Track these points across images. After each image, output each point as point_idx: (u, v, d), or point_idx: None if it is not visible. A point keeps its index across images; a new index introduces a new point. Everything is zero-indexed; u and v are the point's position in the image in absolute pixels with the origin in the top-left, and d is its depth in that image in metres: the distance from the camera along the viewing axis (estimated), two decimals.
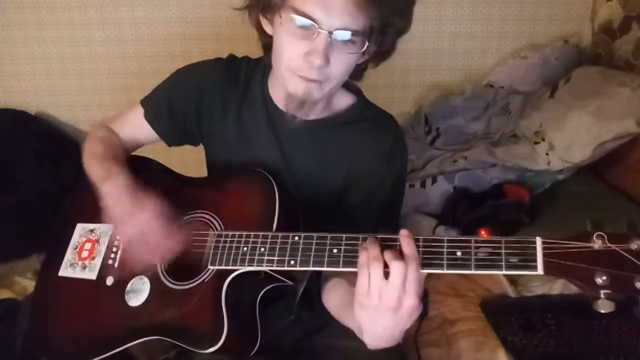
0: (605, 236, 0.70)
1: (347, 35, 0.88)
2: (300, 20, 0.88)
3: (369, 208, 1.08)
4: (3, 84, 2.16)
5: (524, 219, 1.73)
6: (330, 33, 0.87)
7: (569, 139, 1.75)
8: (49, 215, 1.26)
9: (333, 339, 1.10)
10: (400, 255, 0.77)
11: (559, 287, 1.45)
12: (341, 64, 0.93)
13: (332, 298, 1.00)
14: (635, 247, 0.68)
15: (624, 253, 0.69)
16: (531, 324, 1.35)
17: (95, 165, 1.07)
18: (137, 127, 1.18)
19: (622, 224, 0.71)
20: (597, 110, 1.72)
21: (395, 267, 0.75)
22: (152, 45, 2.11)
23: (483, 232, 1.62)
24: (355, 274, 0.81)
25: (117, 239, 1.09)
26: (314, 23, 0.87)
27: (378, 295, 0.76)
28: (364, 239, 0.83)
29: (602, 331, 1.30)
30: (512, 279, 1.52)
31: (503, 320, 1.37)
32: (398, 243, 0.80)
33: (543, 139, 1.83)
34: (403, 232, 0.80)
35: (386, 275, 0.76)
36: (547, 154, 1.80)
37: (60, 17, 2.06)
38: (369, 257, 0.78)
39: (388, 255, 0.77)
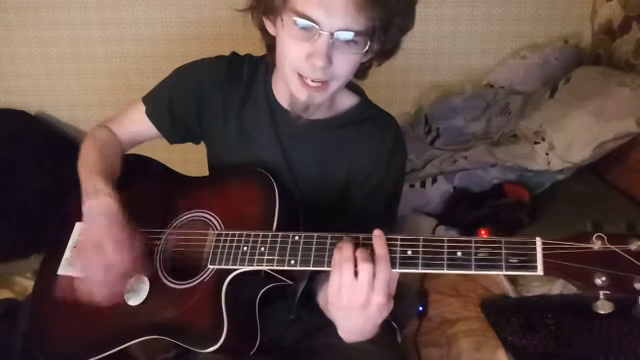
0: (604, 237, 0.70)
1: (348, 35, 0.88)
2: (302, 22, 0.88)
3: (369, 207, 1.08)
4: (3, 84, 2.16)
5: (524, 219, 1.73)
6: (332, 34, 0.87)
7: (569, 139, 1.75)
8: (49, 215, 1.26)
9: (333, 339, 1.09)
10: (371, 255, 0.79)
11: (559, 287, 1.45)
12: (344, 64, 0.93)
13: (321, 293, 1.00)
14: (635, 247, 0.69)
15: (623, 254, 0.69)
16: (531, 324, 1.35)
17: (84, 176, 1.06)
18: (138, 124, 1.18)
19: (621, 225, 0.72)
20: (597, 110, 1.72)
21: (363, 267, 0.77)
22: (152, 45, 2.11)
23: (483, 232, 1.63)
24: None
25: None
26: (315, 25, 0.87)
27: (347, 295, 0.79)
28: (364, 239, 0.83)
29: (602, 331, 1.30)
30: (512, 279, 1.52)
31: (503, 320, 1.37)
32: None
33: (543, 139, 1.83)
34: (376, 232, 0.81)
35: (357, 275, 0.78)
36: (547, 154, 1.80)
37: (60, 17, 2.05)
38: (341, 257, 0.80)
39: (360, 255, 0.79)
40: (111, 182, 1.05)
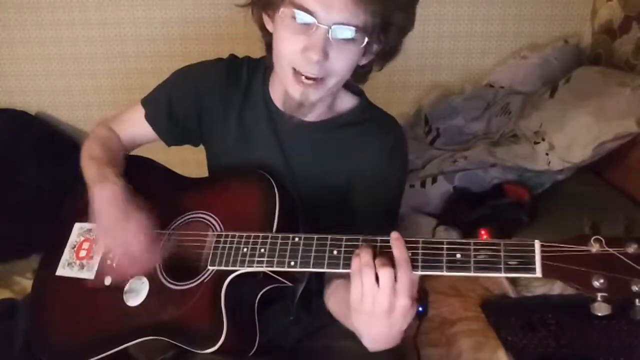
0: (602, 240, 0.71)
1: (346, 30, 0.88)
2: (300, 14, 0.88)
3: (371, 209, 1.07)
4: (3, 84, 2.16)
5: (524, 219, 1.73)
6: (329, 28, 0.87)
7: (569, 139, 1.75)
8: (49, 215, 1.26)
9: (332, 340, 1.10)
10: (390, 259, 0.78)
11: (559, 287, 1.45)
12: (341, 59, 0.92)
13: (334, 300, 1.00)
14: (632, 250, 0.69)
15: (621, 256, 0.69)
16: (531, 324, 1.34)
17: (91, 168, 1.07)
18: (137, 127, 1.18)
19: (620, 224, 0.72)
20: (597, 110, 1.71)
21: (384, 272, 0.77)
22: (152, 45, 2.11)
23: (483, 232, 1.62)
24: None
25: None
26: (313, 18, 0.87)
27: (371, 301, 0.78)
28: (364, 241, 0.83)
29: (602, 331, 1.30)
30: (512, 279, 1.52)
31: (503, 320, 1.37)
32: None
33: (543, 139, 1.83)
34: (393, 235, 0.80)
35: (378, 280, 0.77)
36: (547, 154, 1.80)
37: (60, 17, 2.05)
38: (360, 264, 0.79)
39: (379, 261, 0.78)
40: (117, 173, 1.06)
